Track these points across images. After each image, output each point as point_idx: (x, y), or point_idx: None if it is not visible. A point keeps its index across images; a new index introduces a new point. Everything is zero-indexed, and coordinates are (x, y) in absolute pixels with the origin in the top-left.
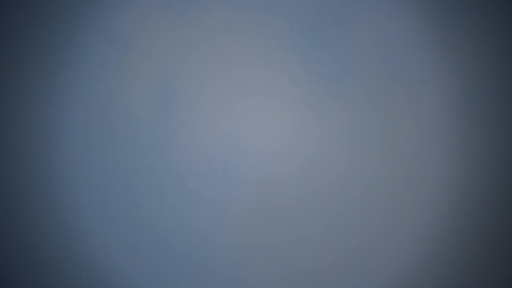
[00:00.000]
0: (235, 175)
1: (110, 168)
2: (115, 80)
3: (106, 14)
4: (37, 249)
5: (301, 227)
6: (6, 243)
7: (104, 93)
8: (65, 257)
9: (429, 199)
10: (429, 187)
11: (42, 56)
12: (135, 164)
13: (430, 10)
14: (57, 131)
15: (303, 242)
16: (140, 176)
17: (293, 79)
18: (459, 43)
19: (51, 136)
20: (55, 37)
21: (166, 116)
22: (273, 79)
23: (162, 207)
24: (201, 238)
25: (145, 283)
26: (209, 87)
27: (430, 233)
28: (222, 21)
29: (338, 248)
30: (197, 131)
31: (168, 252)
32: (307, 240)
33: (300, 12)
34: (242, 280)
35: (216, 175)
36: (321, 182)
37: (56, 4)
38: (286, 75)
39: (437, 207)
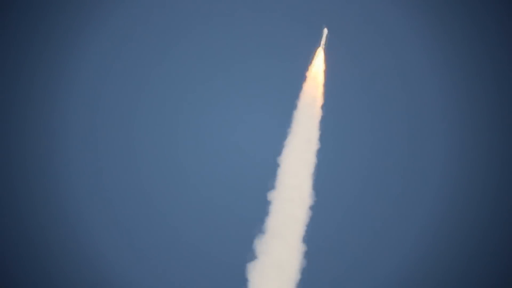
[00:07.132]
0: (235, 176)
1: (111, 168)
2: (115, 80)
3: (107, 15)
4: (38, 249)
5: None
6: (6, 243)
7: (104, 93)
8: (67, 257)
9: (428, 199)
10: (429, 187)
11: (42, 57)
12: (135, 164)
13: (430, 11)
14: (57, 131)
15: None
16: (141, 176)
17: (291, 79)
18: (459, 43)
19: (52, 136)
20: (56, 38)
21: (166, 116)
22: (271, 80)
23: (163, 206)
24: (201, 237)
25: (147, 282)
26: (209, 87)
27: (429, 233)
28: (222, 22)
29: (337, 248)
30: (198, 131)
31: (170, 251)
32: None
33: (291, 9)
34: (240, 279)
35: (217, 176)
36: (320, 184)
37: (57, 5)
38: (283, 75)
39: (436, 207)
